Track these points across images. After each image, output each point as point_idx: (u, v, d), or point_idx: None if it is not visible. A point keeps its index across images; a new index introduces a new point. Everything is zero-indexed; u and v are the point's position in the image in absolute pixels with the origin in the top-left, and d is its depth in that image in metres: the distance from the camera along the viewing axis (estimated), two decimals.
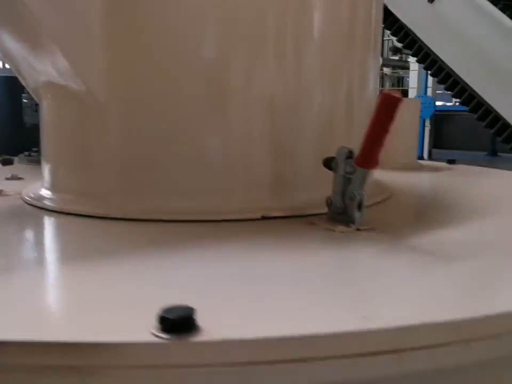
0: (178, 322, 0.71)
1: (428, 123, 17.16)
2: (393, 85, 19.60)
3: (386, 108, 1.21)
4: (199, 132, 1.45)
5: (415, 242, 1.25)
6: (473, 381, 0.85)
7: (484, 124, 4.70)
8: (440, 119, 17.94)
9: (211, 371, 0.72)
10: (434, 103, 16.65)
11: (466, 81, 4.63)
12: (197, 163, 1.44)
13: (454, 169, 2.62)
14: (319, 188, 1.40)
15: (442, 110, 18.68)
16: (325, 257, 1.15)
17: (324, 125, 1.59)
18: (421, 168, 2.60)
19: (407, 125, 2.56)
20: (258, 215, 1.42)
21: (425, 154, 18.80)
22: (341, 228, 1.32)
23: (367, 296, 0.94)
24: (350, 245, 1.23)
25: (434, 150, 18.66)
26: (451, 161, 2.69)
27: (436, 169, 2.60)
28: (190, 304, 0.75)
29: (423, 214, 1.70)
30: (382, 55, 20.03)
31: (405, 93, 18.41)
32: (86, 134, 1.53)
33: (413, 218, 1.58)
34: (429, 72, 5.11)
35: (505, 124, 4.48)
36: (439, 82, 4.97)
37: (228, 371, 0.72)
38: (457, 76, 4.66)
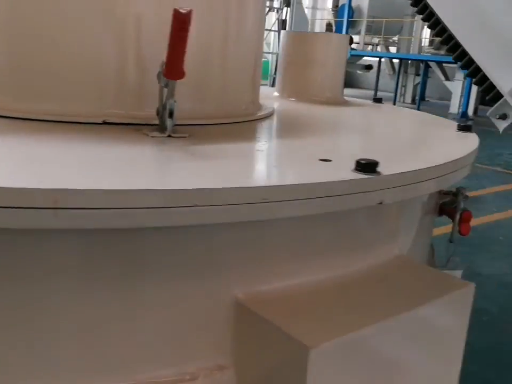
0: None
1: None
2: None
3: (177, 23, 1.35)
4: (63, 45, 1.63)
5: (201, 147, 1.42)
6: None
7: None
8: None
9: None
10: None
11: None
12: (57, 71, 1.63)
13: (376, 106, 2.72)
14: None
15: None
16: (110, 148, 1.35)
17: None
18: (343, 104, 2.71)
19: (332, 60, 2.66)
20: (100, 120, 1.61)
21: (471, 111, 18.30)
22: (155, 133, 1.51)
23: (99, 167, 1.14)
24: (148, 144, 1.42)
25: (481, 107, 18.14)
26: (377, 100, 2.79)
27: (356, 105, 2.70)
28: None
29: (264, 131, 1.85)
30: None
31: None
32: None
33: (246, 133, 1.73)
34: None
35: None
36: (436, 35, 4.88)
37: None
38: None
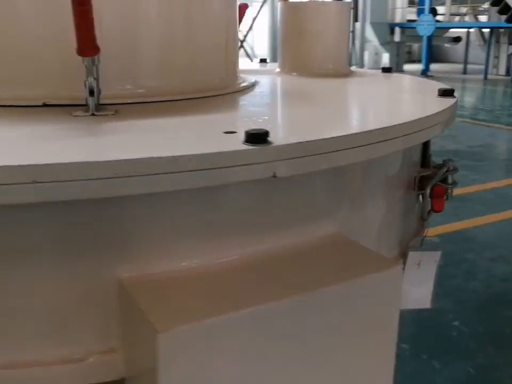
0: None
1: None
2: None
3: None
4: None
5: (113, 124, 1.37)
6: None
7: None
8: None
9: None
10: None
11: None
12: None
13: (381, 76, 2.54)
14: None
15: None
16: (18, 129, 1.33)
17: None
18: (349, 75, 2.55)
19: (332, 30, 2.50)
20: (40, 103, 1.61)
21: None
22: (78, 112, 1.48)
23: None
24: (60, 123, 1.39)
25: None
26: (386, 70, 2.60)
27: (360, 76, 2.54)
28: None
29: (215, 105, 1.76)
30: None
31: None
32: None
33: (195, 107, 1.65)
34: None
35: None
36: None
37: None
38: None
